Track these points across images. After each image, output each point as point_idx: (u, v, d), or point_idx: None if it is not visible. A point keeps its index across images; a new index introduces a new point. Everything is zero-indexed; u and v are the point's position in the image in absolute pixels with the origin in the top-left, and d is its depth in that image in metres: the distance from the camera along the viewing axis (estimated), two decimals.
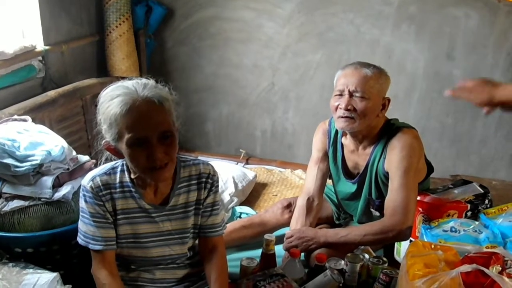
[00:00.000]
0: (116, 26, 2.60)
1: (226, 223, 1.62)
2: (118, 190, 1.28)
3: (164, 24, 2.91)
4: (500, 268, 1.17)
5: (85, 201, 1.27)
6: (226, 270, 1.39)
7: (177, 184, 1.32)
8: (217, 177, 1.38)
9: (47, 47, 2.27)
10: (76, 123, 2.36)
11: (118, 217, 1.30)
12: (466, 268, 1.14)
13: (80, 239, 1.30)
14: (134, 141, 1.16)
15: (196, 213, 1.36)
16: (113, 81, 2.76)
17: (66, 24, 2.43)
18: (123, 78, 2.92)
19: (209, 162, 1.41)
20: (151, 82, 1.22)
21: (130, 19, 2.67)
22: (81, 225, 1.30)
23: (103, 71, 2.70)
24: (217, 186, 1.38)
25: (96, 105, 1.26)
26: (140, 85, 1.19)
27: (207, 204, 1.37)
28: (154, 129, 1.16)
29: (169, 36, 2.95)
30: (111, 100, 1.17)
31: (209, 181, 1.35)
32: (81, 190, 1.29)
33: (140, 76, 2.77)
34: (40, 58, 2.27)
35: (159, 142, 1.17)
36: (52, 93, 2.21)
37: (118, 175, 1.28)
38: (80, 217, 1.31)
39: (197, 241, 1.43)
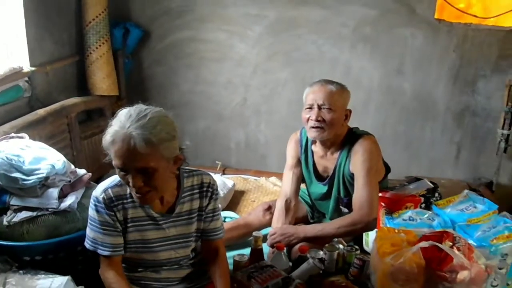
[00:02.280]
0: (96, 48, 2.69)
1: None
2: (129, 200, 1.36)
3: (141, 45, 3.00)
4: (451, 243, 1.39)
5: (96, 210, 1.35)
6: (228, 269, 1.52)
7: (182, 194, 1.42)
8: (217, 186, 1.49)
9: (33, 68, 2.33)
10: (63, 140, 2.42)
11: (128, 225, 1.39)
12: (424, 244, 1.36)
13: (88, 244, 1.39)
14: (117, 167, 1.25)
15: (198, 219, 1.47)
16: (95, 100, 2.87)
17: (49, 46, 2.51)
18: (103, 96, 3.00)
19: None
20: (148, 117, 1.22)
21: (109, 40, 2.76)
22: (89, 232, 1.38)
23: (83, 90, 2.78)
24: (217, 194, 1.49)
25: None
26: (132, 119, 1.21)
27: (209, 211, 1.48)
28: (130, 164, 1.22)
29: (146, 56, 3.04)
30: (112, 126, 1.24)
31: (209, 189, 1.46)
32: (92, 199, 1.37)
33: (119, 94, 2.90)
34: (27, 78, 2.33)
35: (138, 174, 1.23)
36: (41, 112, 2.27)
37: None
38: (89, 224, 1.39)
39: (199, 243, 1.53)
